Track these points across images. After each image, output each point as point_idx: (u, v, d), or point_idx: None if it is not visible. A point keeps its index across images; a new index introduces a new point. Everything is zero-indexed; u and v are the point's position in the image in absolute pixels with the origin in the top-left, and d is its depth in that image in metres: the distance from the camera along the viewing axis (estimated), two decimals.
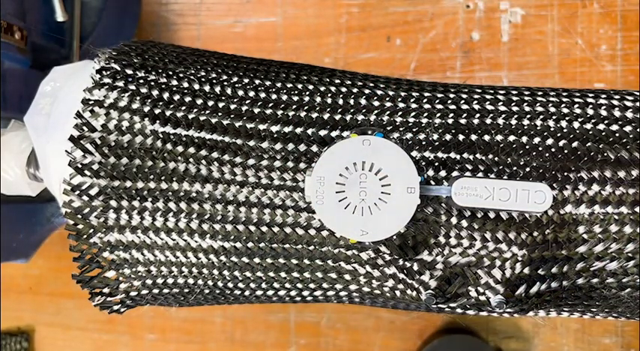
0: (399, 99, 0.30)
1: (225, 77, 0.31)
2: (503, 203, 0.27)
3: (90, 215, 0.29)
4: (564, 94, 0.31)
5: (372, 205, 0.27)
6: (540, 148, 0.28)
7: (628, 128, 0.29)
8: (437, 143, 0.29)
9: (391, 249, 0.29)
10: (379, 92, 0.30)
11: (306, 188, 0.27)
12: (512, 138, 0.29)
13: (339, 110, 0.29)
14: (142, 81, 0.30)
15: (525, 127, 0.29)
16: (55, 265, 0.64)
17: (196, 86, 0.30)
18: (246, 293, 0.32)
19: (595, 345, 0.59)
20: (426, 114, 0.29)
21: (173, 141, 0.29)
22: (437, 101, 0.30)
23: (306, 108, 0.29)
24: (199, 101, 0.30)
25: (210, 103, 0.30)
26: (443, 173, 0.28)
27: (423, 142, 0.29)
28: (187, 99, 0.30)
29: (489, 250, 0.28)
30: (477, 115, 0.29)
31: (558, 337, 0.60)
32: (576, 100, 0.30)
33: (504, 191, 0.27)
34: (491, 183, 0.27)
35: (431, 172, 0.28)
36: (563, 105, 0.30)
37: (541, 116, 0.29)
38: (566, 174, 0.28)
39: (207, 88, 0.30)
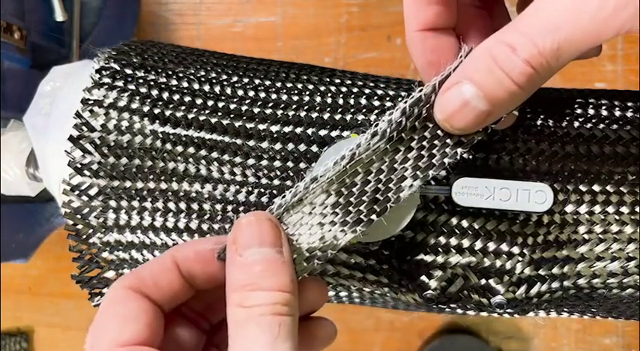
0: (400, 99, 0.30)
1: (224, 77, 0.31)
2: (504, 203, 0.27)
3: (89, 215, 0.29)
4: (565, 94, 0.31)
5: None
6: (540, 148, 0.28)
7: (628, 128, 0.29)
8: None
9: (391, 249, 0.29)
10: (379, 92, 0.30)
11: None
12: None
13: (339, 110, 0.29)
14: (141, 81, 0.30)
15: (525, 127, 0.29)
16: (54, 265, 0.64)
17: (196, 86, 0.30)
18: None
19: (596, 345, 0.59)
20: None
21: (172, 141, 0.29)
22: None
23: (306, 108, 0.29)
24: (199, 101, 0.29)
25: (210, 102, 0.29)
26: (443, 173, 0.28)
27: None
28: (187, 99, 0.29)
29: (490, 251, 0.28)
30: None
31: (559, 338, 0.60)
32: (577, 99, 0.30)
33: (505, 191, 0.26)
34: (491, 183, 0.27)
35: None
36: (563, 105, 0.30)
37: (541, 116, 0.29)
38: (566, 174, 0.28)
39: (206, 87, 0.30)
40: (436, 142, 0.25)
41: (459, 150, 0.25)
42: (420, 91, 0.24)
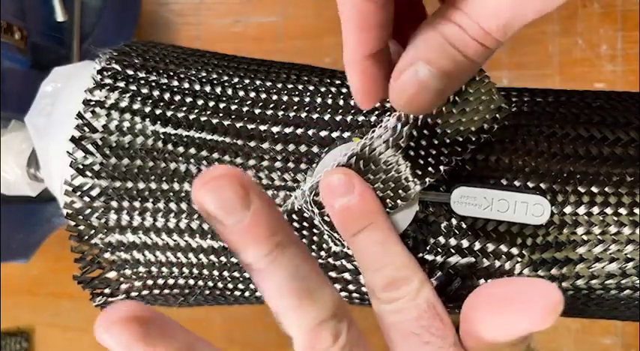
0: None
1: (225, 78, 0.31)
2: (502, 214, 0.27)
3: (91, 216, 0.29)
4: (563, 95, 0.31)
5: None
6: (539, 149, 0.28)
7: (626, 129, 0.29)
8: None
9: None
10: None
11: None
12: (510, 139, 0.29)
13: (340, 111, 0.29)
14: (142, 82, 0.30)
15: (524, 128, 0.29)
16: (54, 265, 0.64)
17: (197, 87, 0.30)
18: (246, 294, 0.32)
19: (595, 345, 0.59)
20: None
21: (174, 142, 0.29)
22: None
23: (306, 109, 0.29)
24: (200, 102, 0.30)
25: (211, 103, 0.30)
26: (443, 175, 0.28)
27: None
28: (188, 99, 0.30)
29: (489, 251, 0.28)
30: None
31: (558, 338, 0.60)
32: (576, 101, 0.30)
33: (503, 202, 0.27)
34: (490, 193, 0.27)
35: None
36: (562, 106, 0.30)
37: (541, 117, 0.29)
38: (565, 175, 0.28)
39: (207, 88, 0.30)
40: (431, 150, 0.26)
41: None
42: None
